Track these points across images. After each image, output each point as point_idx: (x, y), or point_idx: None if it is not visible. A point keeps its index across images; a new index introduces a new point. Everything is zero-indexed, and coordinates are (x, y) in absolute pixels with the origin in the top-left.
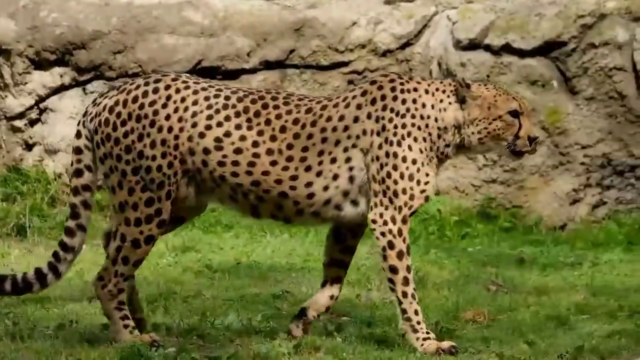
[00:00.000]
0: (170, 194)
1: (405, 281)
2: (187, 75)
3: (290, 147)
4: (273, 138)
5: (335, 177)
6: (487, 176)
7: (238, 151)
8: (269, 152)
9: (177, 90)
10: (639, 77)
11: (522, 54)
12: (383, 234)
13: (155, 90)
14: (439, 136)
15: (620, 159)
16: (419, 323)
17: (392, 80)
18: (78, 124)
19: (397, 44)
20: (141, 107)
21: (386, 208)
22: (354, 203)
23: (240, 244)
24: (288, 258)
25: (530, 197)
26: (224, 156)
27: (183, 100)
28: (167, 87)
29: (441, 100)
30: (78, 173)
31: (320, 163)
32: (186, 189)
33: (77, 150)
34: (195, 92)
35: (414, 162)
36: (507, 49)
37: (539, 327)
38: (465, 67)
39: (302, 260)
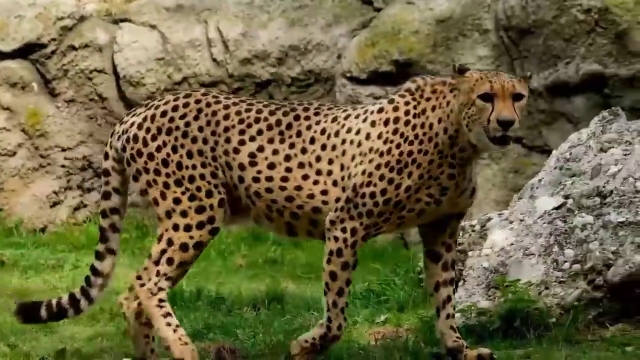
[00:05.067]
0: (222, 202)
1: (341, 292)
2: (218, 91)
3: (318, 159)
4: (304, 150)
5: None
6: None
7: (272, 166)
8: (300, 165)
9: (208, 104)
10: (120, 79)
11: (2, 56)
12: (337, 238)
13: (186, 105)
14: (451, 146)
15: (101, 161)
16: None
17: (407, 103)
18: (106, 145)
19: None
20: (171, 120)
21: (351, 218)
22: None
23: None
24: None
25: (11, 199)
26: (259, 172)
27: (214, 114)
28: (198, 101)
29: (448, 103)
30: (106, 195)
31: (343, 178)
32: (225, 205)
33: (105, 173)
34: (227, 107)
35: (407, 189)
36: None
37: (21, 331)
38: None
39: None
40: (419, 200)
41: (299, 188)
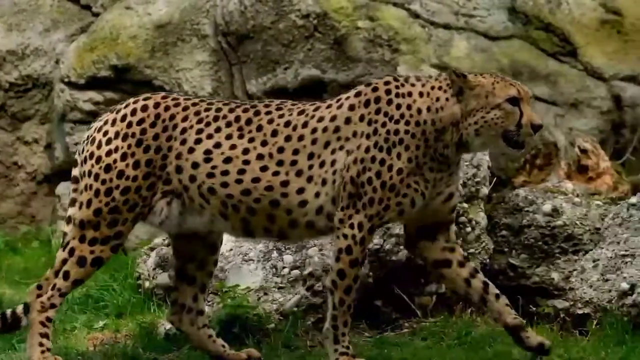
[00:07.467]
0: (137, 218)
1: (348, 290)
2: (179, 93)
3: (281, 150)
4: (264, 143)
5: (324, 182)
6: None
7: (228, 160)
8: (260, 157)
9: (167, 108)
10: None
11: None
12: (345, 236)
13: (144, 108)
14: (436, 139)
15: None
16: (343, 335)
17: (387, 83)
18: (76, 153)
19: None
20: (129, 125)
21: (357, 212)
22: None
23: None
24: None
25: None
26: (214, 167)
27: (172, 118)
28: (157, 105)
29: (437, 99)
30: (73, 202)
31: (310, 167)
32: (167, 208)
33: (75, 180)
34: (185, 109)
35: (399, 172)
36: None
37: None
38: None
39: None
40: (409, 186)
41: (256, 180)
